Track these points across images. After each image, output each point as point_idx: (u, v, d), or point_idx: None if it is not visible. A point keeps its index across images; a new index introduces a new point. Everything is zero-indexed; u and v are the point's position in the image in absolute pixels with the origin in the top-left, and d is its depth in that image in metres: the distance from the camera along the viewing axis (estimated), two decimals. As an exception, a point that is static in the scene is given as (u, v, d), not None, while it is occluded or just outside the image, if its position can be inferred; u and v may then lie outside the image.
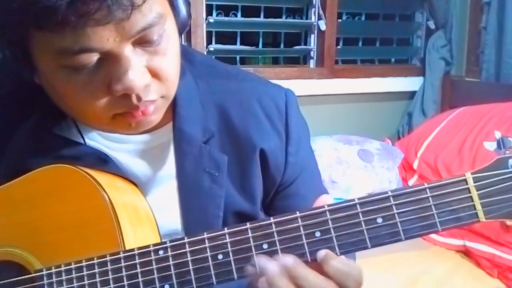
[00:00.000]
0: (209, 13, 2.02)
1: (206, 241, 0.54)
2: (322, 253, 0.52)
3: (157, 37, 0.55)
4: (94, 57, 0.52)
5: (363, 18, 2.38)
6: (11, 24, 0.51)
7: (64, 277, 0.58)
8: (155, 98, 0.58)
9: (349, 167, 1.90)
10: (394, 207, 0.52)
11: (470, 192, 0.51)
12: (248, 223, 0.54)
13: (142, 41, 0.54)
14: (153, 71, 0.56)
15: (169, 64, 0.58)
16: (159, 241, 0.63)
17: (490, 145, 1.77)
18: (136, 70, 0.54)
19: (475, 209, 0.50)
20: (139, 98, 0.56)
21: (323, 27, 2.16)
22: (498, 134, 1.78)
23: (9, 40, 0.54)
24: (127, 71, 0.53)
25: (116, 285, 0.56)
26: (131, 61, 0.53)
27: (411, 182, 1.96)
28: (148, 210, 0.67)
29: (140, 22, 0.52)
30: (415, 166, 1.96)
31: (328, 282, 0.50)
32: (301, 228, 0.53)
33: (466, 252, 1.65)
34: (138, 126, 0.60)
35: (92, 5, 0.48)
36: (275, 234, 0.53)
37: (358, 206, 0.53)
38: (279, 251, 0.53)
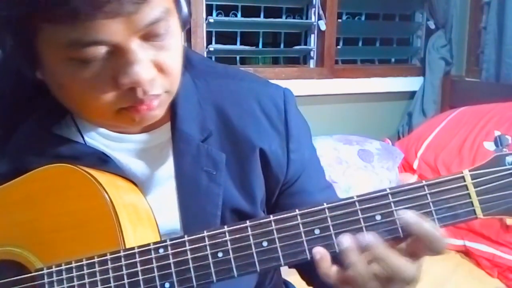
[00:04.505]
0: (209, 13, 2.02)
1: (206, 239, 0.55)
2: (408, 216, 0.52)
3: (163, 31, 0.55)
4: (102, 50, 0.53)
5: (363, 18, 2.39)
6: (19, 16, 0.51)
7: (64, 276, 0.58)
8: (159, 92, 0.59)
9: (349, 167, 1.90)
10: (392, 204, 0.52)
11: (468, 189, 0.51)
12: (247, 221, 0.54)
13: (149, 35, 0.55)
14: (159, 66, 0.57)
15: (174, 59, 0.59)
16: (159, 240, 0.63)
17: (490, 145, 1.77)
18: (143, 63, 0.54)
19: (473, 206, 0.51)
20: (144, 92, 0.56)
21: (323, 27, 2.16)
22: (497, 134, 1.78)
23: (15, 32, 0.54)
24: (134, 65, 0.54)
25: (117, 283, 0.56)
26: (138, 54, 0.54)
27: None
28: (148, 210, 0.67)
29: (148, 15, 0.52)
30: (415, 166, 1.96)
31: (407, 268, 0.52)
32: (301, 225, 0.53)
33: (466, 252, 1.65)
34: (142, 121, 0.61)
35: None
36: (274, 231, 0.54)
37: (357, 203, 0.53)
38: (279, 249, 0.53)
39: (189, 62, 0.71)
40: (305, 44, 2.27)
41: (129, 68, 0.54)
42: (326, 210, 0.53)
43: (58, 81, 0.58)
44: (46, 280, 0.59)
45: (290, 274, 0.80)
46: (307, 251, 0.53)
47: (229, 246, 0.54)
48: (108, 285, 0.56)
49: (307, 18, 2.23)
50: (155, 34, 0.55)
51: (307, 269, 0.76)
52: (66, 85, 0.57)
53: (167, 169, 0.70)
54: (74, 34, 0.50)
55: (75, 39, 0.51)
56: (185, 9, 0.62)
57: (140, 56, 0.54)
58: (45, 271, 0.59)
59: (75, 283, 0.57)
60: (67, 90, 0.58)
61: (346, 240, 0.52)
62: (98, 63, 0.54)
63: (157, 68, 0.57)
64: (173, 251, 0.55)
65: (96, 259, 0.57)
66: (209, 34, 2.04)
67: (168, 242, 0.55)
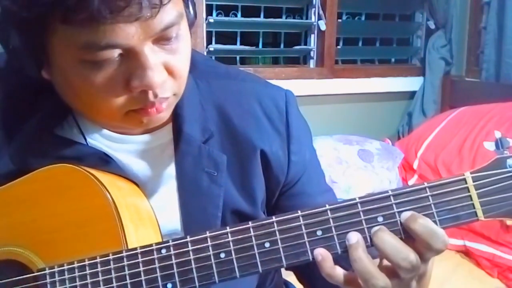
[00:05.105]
0: (209, 13, 2.02)
1: (208, 239, 0.55)
2: (407, 214, 0.52)
3: (175, 35, 0.56)
4: (116, 53, 0.53)
5: (363, 18, 2.39)
6: (36, 16, 0.51)
7: (66, 276, 0.58)
8: (169, 95, 0.60)
9: (349, 167, 1.91)
10: (394, 206, 0.52)
11: (469, 191, 0.51)
12: (250, 222, 0.55)
13: (161, 39, 0.55)
14: (169, 69, 0.58)
15: (182, 62, 0.60)
16: (160, 241, 0.63)
17: (490, 145, 1.77)
18: (155, 67, 0.55)
19: (474, 208, 0.51)
20: (155, 95, 0.57)
21: (323, 27, 2.17)
22: (498, 134, 1.78)
23: (28, 32, 0.54)
24: (147, 68, 0.54)
25: (119, 283, 0.56)
26: (151, 58, 0.54)
27: (411, 182, 1.96)
28: (150, 211, 0.67)
29: (164, 20, 0.53)
30: (415, 166, 1.96)
31: (408, 250, 0.51)
32: (303, 227, 0.53)
33: (466, 252, 1.66)
34: (149, 123, 0.61)
35: (124, 2, 0.49)
36: (277, 232, 0.54)
37: (359, 205, 0.53)
38: (281, 250, 0.53)
39: (192, 62, 0.71)
40: (305, 44, 2.27)
41: (142, 71, 0.54)
42: (329, 212, 0.53)
43: (68, 82, 0.58)
44: (48, 280, 0.59)
45: (290, 275, 0.80)
46: (309, 252, 0.53)
47: (232, 247, 0.54)
48: (110, 285, 0.56)
49: (307, 18, 2.23)
50: (166, 38, 0.55)
51: (306, 272, 0.76)
52: (76, 86, 0.57)
53: (169, 170, 0.70)
54: (90, 36, 0.51)
55: (91, 42, 0.51)
56: (191, 11, 0.63)
57: (152, 60, 0.54)
58: (47, 271, 0.59)
59: (77, 283, 0.57)
60: (77, 91, 0.58)
61: (354, 236, 0.52)
62: (111, 66, 0.54)
63: (167, 71, 0.58)
64: (175, 251, 0.55)
65: (98, 259, 0.57)
66: (209, 34, 2.04)
67: (171, 243, 0.56)
